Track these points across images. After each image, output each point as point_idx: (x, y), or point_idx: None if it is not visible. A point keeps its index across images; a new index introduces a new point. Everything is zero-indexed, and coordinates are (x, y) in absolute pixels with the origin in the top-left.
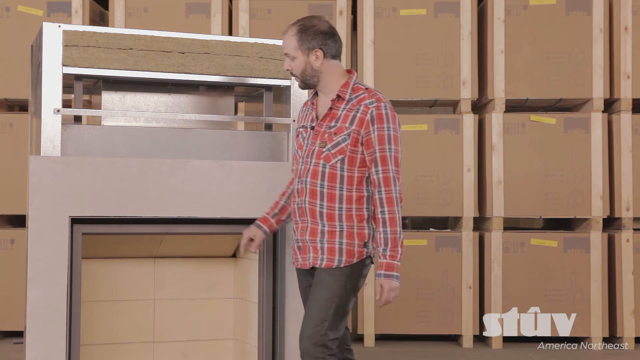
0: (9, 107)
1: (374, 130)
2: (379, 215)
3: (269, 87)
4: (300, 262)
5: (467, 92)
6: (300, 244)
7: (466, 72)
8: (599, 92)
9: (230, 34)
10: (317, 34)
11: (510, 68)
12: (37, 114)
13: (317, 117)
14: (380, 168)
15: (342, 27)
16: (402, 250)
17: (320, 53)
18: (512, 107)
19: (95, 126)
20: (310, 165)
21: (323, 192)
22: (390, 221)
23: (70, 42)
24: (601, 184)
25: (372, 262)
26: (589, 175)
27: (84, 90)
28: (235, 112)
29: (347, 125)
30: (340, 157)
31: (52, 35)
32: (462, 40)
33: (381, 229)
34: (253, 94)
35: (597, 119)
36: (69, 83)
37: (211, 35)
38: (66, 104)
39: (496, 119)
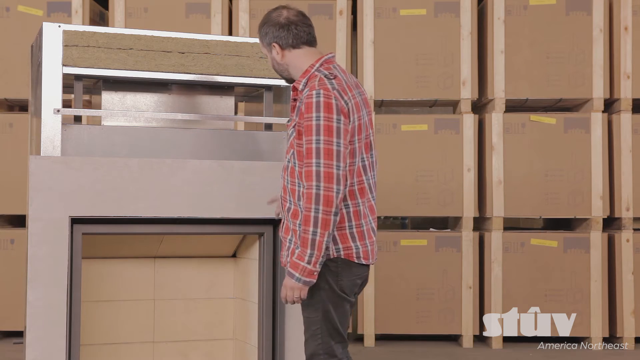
0: (9, 107)
1: (303, 121)
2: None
3: (269, 87)
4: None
5: (467, 92)
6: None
7: (466, 72)
8: (599, 92)
9: (230, 34)
10: (269, 27)
11: (510, 68)
12: (37, 114)
13: None
14: (304, 162)
15: (342, 27)
16: (314, 252)
17: (277, 46)
18: (512, 107)
19: (95, 126)
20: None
21: (288, 188)
22: (305, 219)
23: (70, 42)
24: (601, 184)
25: (358, 262)
26: (589, 175)
27: (84, 90)
28: (235, 112)
29: (295, 117)
30: (291, 150)
31: (52, 35)
32: (462, 40)
33: (298, 227)
34: (253, 94)
35: (597, 119)
36: (69, 83)
37: (211, 35)
38: (66, 104)
39: (496, 119)
